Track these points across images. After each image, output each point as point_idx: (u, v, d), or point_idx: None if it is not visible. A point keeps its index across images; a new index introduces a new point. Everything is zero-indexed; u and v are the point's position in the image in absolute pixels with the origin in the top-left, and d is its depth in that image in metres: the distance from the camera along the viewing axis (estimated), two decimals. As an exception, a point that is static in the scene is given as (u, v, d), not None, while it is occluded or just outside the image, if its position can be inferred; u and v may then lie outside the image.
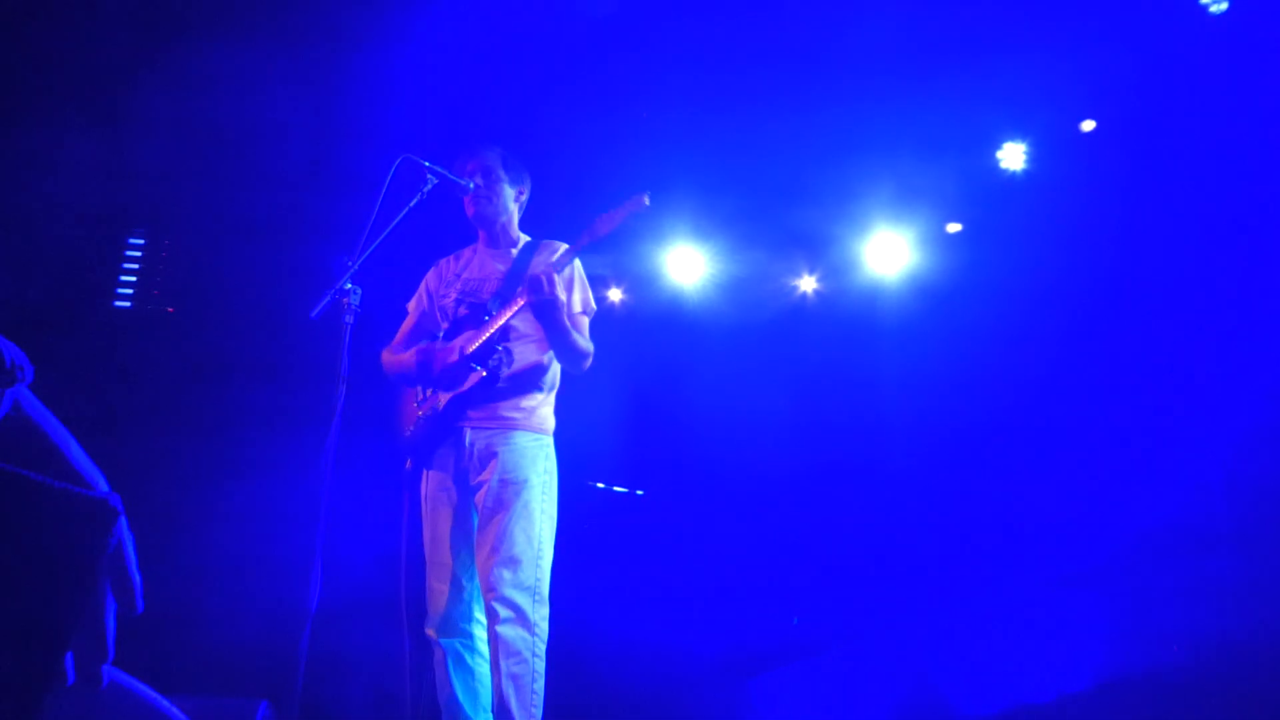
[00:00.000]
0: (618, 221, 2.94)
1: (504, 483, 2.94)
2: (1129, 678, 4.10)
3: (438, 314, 3.27)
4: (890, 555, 5.05)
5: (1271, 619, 3.86)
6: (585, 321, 3.16)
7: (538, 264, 3.13)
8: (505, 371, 3.02)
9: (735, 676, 4.94)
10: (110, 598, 0.92)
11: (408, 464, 3.15)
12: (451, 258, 3.38)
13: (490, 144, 3.31)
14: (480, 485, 2.98)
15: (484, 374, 2.98)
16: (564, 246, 3.20)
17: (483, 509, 2.95)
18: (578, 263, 3.20)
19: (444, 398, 3.06)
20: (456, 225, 3.49)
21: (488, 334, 3.00)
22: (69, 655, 0.90)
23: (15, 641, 0.83)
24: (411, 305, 3.37)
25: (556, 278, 2.95)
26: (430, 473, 3.11)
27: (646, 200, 2.92)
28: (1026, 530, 4.74)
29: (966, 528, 4.93)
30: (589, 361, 3.11)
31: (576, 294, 3.16)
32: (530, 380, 3.09)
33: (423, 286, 3.37)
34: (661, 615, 4.88)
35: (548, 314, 2.96)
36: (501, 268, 3.23)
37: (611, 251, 5.41)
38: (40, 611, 0.85)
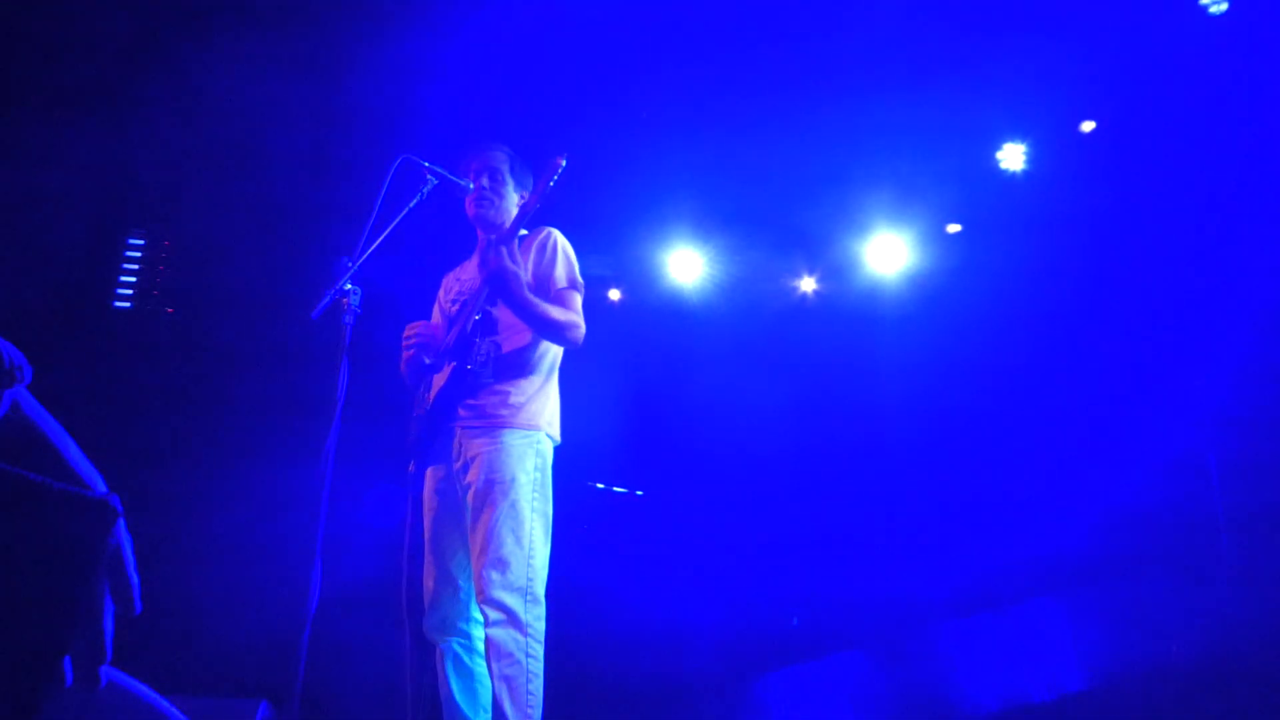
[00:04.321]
0: (541, 191, 2.94)
1: (490, 483, 2.90)
2: (1128, 677, 4.10)
3: (444, 320, 3.28)
4: (890, 555, 5.05)
5: (1269, 611, 3.86)
6: (573, 296, 3.08)
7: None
8: (488, 365, 3.01)
9: (735, 677, 4.94)
10: (108, 599, 0.92)
11: (411, 466, 3.14)
12: (457, 268, 3.37)
13: (498, 145, 3.28)
14: (469, 486, 2.96)
15: (445, 364, 2.96)
16: (549, 231, 3.19)
17: (471, 510, 2.92)
18: (561, 239, 3.17)
19: (433, 398, 3.06)
20: (457, 225, 3.49)
21: (461, 324, 2.99)
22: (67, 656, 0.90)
23: (15, 642, 0.83)
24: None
25: (503, 249, 2.90)
26: (427, 473, 3.10)
27: (562, 162, 2.90)
28: (1028, 529, 4.73)
29: (967, 527, 4.93)
30: (575, 333, 3.03)
31: (560, 268, 3.11)
32: (515, 373, 3.03)
33: (436, 300, 3.38)
34: (661, 616, 4.88)
35: (500, 286, 2.91)
36: None
37: (611, 251, 5.41)
38: (40, 612, 0.85)
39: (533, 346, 3.07)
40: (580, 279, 3.15)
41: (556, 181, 2.93)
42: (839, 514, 5.25)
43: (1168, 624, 4.15)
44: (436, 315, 3.34)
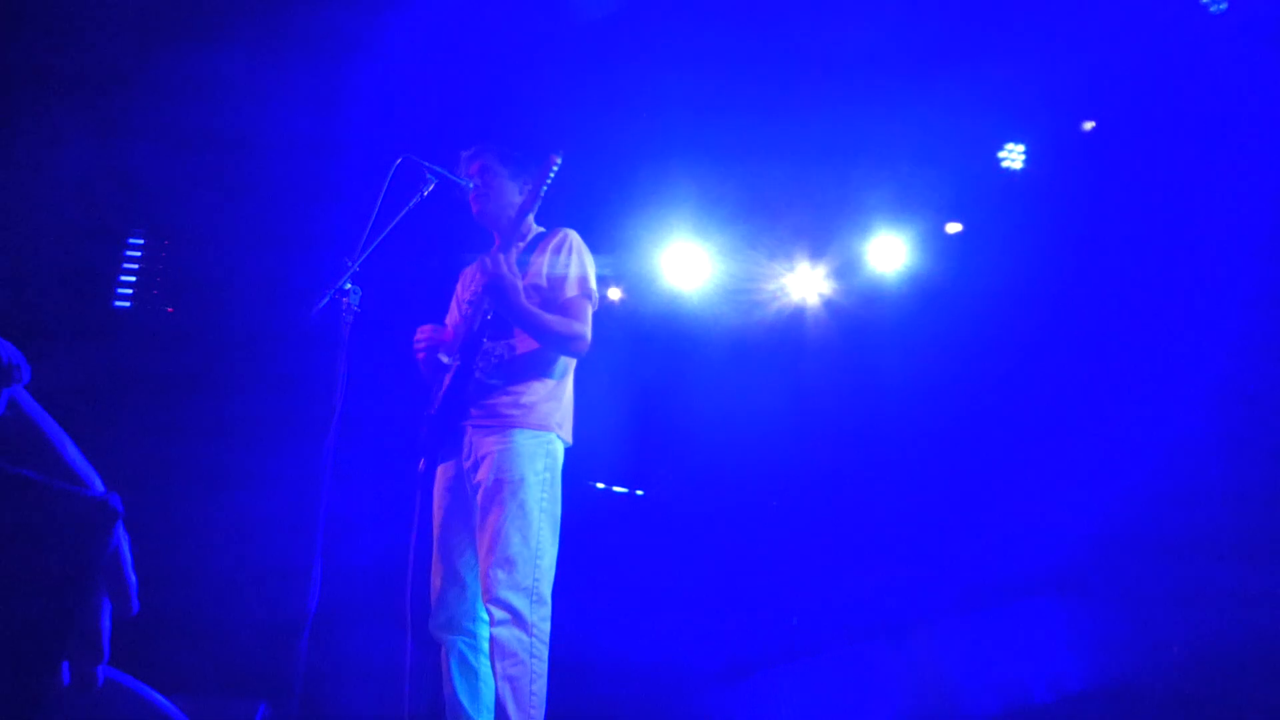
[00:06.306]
0: (537, 191, 2.94)
1: (499, 482, 2.90)
2: (1128, 680, 4.10)
3: (460, 317, 3.27)
4: (889, 555, 5.05)
5: (1266, 622, 3.86)
6: (583, 305, 3.06)
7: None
8: (499, 366, 3.00)
9: (735, 677, 4.94)
10: (105, 598, 0.91)
11: (421, 464, 3.13)
12: (476, 264, 3.34)
13: (485, 142, 3.27)
14: (479, 485, 2.96)
15: (455, 363, 2.96)
16: (567, 233, 3.17)
17: (480, 509, 2.93)
18: (578, 243, 3.14)
19: (443, 396, 3.06)
20: (456, 225, 3.48)
21: (469, 324, 2.99)
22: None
23: (14, 642, 0.83)
24: (448, 318, 3.36)
25: (502, 258, 2.90)
26: (438, 472, 3.10)
27: (558, 160, 2.89)
28: (1027, 530, 4.73)
29: (967, 528, 4.93)
30: (578, 345, 3.01)
31: (573, 275, 3.08)
32: (527, 373, 3.02)
33: (454, 296, 3.36)
34: (661, 616, 4.88)
35: (497, 296, 2.92)
36: None
37: (611, 251, 5.40)
38: (39, 612, 0.84)
39: (545, 348, 3.07)
40: (594, 287, 3.12)
41: (552, 179, 2.92)
42: (840, 513, 5.25)
43: (1167, 625, 4.15)
44: (455, 311, 3.33)
